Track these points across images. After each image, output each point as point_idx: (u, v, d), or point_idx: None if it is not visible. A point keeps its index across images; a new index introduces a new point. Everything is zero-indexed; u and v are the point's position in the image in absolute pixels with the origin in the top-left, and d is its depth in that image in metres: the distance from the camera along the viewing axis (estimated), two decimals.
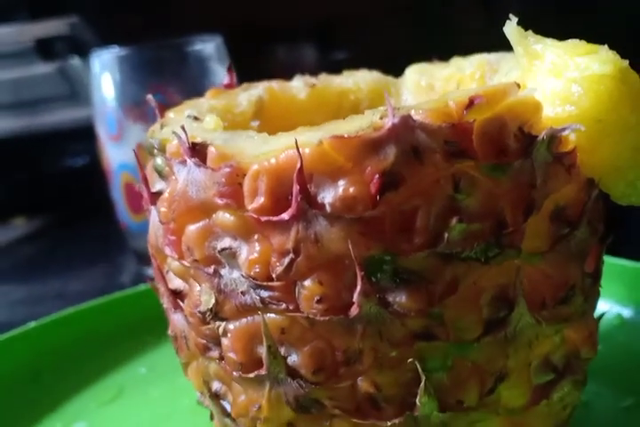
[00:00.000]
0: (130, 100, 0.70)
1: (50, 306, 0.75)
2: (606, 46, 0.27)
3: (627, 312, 0.50)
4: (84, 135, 0.82)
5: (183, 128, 0.28)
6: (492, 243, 0.26)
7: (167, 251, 0.30)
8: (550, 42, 0.28)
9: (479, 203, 0.26)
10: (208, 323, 0.29)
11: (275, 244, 0.26)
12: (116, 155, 0.72)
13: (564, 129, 0.26)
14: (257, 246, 0.27)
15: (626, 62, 0.27)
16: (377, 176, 0.25)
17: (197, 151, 0.28)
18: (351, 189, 0.25)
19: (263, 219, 0.26)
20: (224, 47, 0.75)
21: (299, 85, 0.42)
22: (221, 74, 0.75)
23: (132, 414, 0.47)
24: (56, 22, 1.04)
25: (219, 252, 0.28)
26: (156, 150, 0.31)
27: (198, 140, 0.28)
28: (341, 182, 0.25)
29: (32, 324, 0.52)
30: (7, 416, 0.47)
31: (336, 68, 0.44)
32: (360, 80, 0.43)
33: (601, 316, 0.34)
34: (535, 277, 0.28)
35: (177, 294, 0.32)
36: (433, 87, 0.40)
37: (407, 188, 0.25)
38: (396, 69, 0.43)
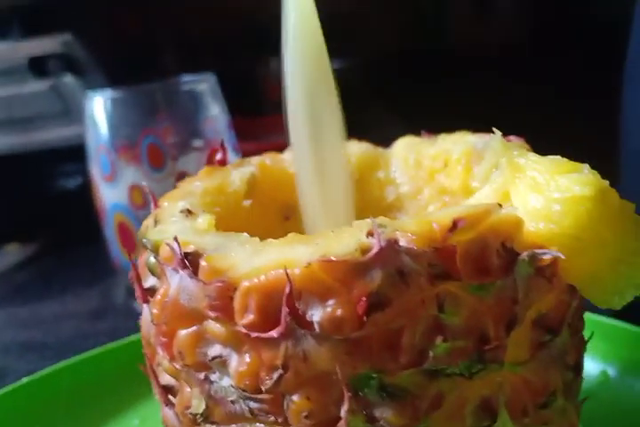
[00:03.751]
0: (123, 141, 0.70)
1: (50, 328, 0.78)
2: (587, 166, 0.28)
3: (611, 370, 0.51)
4: (77, 155, 0.81)
5: (176, 239, 0.29)
6: (475, 359, 0.27)
7: (159, 350, 0.31)
8: (533, 157, 0.29)
9: (463, 320, 0.27)
10: (199, 424, 0.30)
11: (264, 358, 0.27)
12: (109, 195, 0.72)
13: (544, 253, 0.26)
14: (247, 358, 0.27)
15: (606, 182, 0.27)
16: (364, 298, 0.26)
17: (190, 261, 0.29)
18: (339, 311, 0.26)
19: (253, 335, 0.27)
20: (217, 85, 0.76)
21: (290, 158, 0.43)
22: (215, 109, 0.76)
23: None
24: (49, 40, 1.04)
25: (209, 360, 0.29)
26: (148, 250, 0.32)
27: (191, 247, 0.29)
28: (330, 302, 0.26)
29: (24, 380, 0.53)
30: None
31: None
32: (349, 152, 0.43)
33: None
34: (516, 384, 0.29)
35: (168, 390, 0.32)
36: (421, 164, 0.41)
37: (393, 308, 0.26)
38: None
